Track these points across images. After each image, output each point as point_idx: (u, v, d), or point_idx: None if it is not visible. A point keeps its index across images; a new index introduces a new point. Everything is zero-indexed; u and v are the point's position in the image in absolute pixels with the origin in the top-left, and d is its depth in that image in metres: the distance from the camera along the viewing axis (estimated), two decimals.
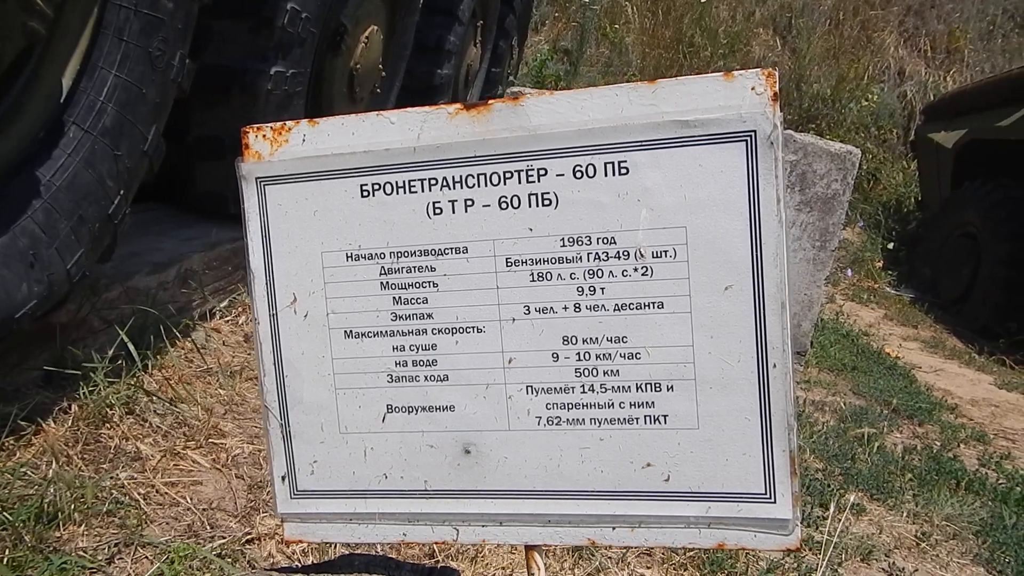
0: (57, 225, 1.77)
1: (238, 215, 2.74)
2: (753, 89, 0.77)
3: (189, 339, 2.43)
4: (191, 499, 1.65)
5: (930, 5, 9.94)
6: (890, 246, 7.45)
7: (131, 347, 2.00)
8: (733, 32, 9.13)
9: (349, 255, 0.89)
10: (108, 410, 1.89)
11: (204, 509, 1.63)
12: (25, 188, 1.75)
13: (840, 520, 2.19)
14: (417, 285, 0.88)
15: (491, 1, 5.48)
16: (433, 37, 4.53)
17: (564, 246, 0.84)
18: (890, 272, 7.09)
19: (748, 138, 0.77)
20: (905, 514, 2.40)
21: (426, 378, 0.89)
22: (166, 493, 1.65)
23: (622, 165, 0.81)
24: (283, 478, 0.93)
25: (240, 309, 2.84)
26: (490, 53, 5.94)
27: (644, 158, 0.80)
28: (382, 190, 0.87)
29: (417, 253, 0.87)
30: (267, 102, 2.71)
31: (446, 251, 0.86)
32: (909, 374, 4.37)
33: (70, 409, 1.88)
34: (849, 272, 6.73)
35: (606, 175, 0.81)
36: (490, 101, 0.83)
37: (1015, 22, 10.00)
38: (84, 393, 1.89)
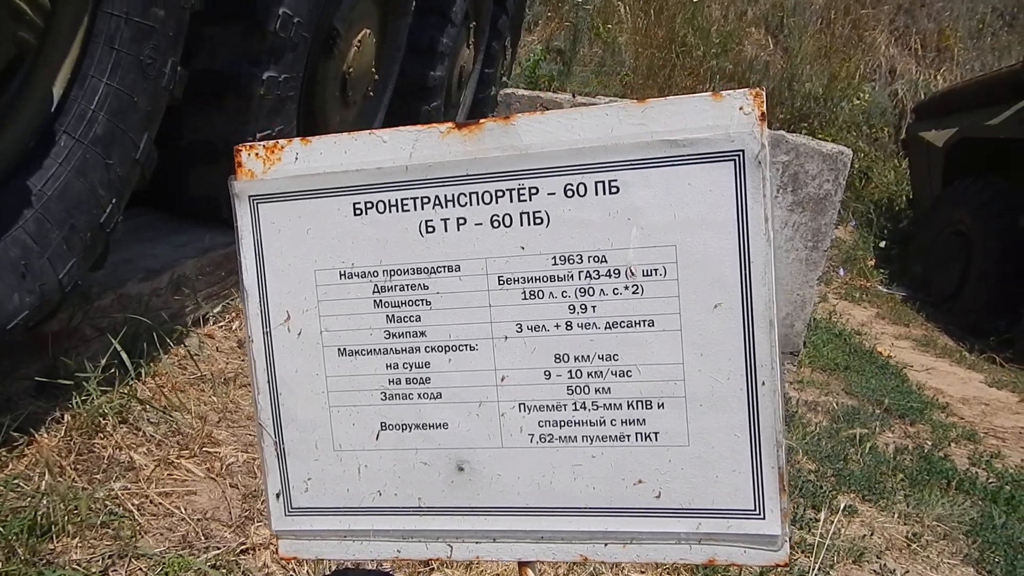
0: (49, 235, 1.76)
1: (231, 220, 2.73)
2: (741, 109, 0.78)
3: (182, 346, 2.43)
4: (185, 509, 1.65)
5: (920, 4, 9.98)
6: (882, 244, 7.48)
7: (124, 356, 2.00)
8: (725, 31, 9.15)
9: (342, 273, 0.89)
10: (101, 419, 1.89)
11: (198, 519, 1.63)
12: (16, 198, 1.74)
13: (833, 522, 2.20)
14: (410, 303, 0.88)
15: (484, 2, 5.48)
16: (426, 39, 4.52)
17: (556, 264, 0.84)
18: (882, 270, 7.12)
19: (736, 157, 0.78)
20: (896, 515, 2.41)
21: (419, 396, 0.90)
22: (160, 503, 1.65)
23: (612, 184, 0.82)
24: (277, 495, 0.93)
25: (234, 314, 2.84)
26: (483, 54, 5.93)
27: (634, 177, 0.81)
28: (375, 208, 0.87)
29: (410, 271, 0.88)
30: (260, 107, 2.71)
31: (439, 269, 0.87)
32: (901, 373, 4.39)
33: (63, 419, 1.87)
34: (841, 271, 6.75)
35: (597, 194, 0.82)
36: (481, 120, 0.84)
37: (1004, 20, 10.06)
38: (77, 402, 1.89)
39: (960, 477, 2.84)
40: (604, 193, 0.82)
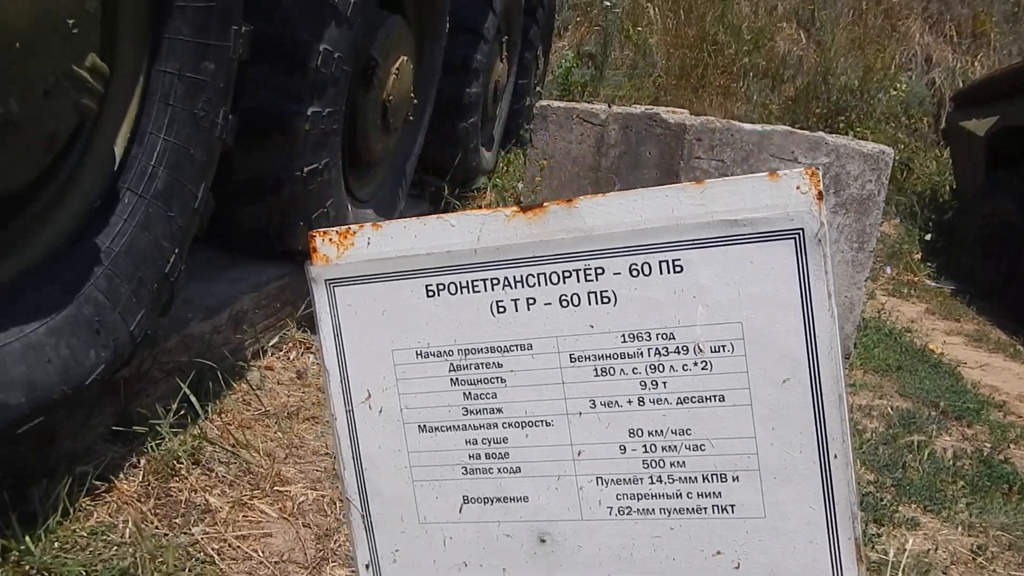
0: (119, 290, 1.84)
1: (283, 253, 2.76)
2: (798, 188, 0.80)
3: (244, 381, 2.50)
4: (262, 552, 1.71)
5: None
6: (927, 237, 7.33)
7: (193, 399, 2.08)
8: (756, 28, 9.07)
9: (419, 352, 0.94)
10: (175, 462, 1.96)
11: (276, 562, 1.69)
12: (86, 257, 1.82)
13: (897, 538, 2.19)
14: (486, 381, 0.93)
15: (515, 15, 5.52)
16: (460, 57, 4.58)
17: (625, 342, 0.88)
18: (929, 264, 6.99)
19: (796, 236, 0.81)
20: (959, 526, 2.39)
21: (499, 470, 0.94)
22: (238, 547, 1.72)
23: (676, 263, 0.85)
24: (367, 566, 0.98)
25: (290, 345, 2.91)
26: (516, 66, 5.98)
27: (697, 256, 0.84)
28: (447, 290, 0.92)
29: (484, 350, 0.92)
30: (305, 142, 2.77)
31: (512, 348, 0.91)
32: (955, 371, 4.32)
33: (139, 463, 1.95)
34: (888, 269, 6.65)
35: (661, 273, 0.85)
36: (545, 204, 0.87)
37: None
38: (151, 446, 1.96)
39: (1022, 481, 2.80)
40: (668, 272, 0.85)
